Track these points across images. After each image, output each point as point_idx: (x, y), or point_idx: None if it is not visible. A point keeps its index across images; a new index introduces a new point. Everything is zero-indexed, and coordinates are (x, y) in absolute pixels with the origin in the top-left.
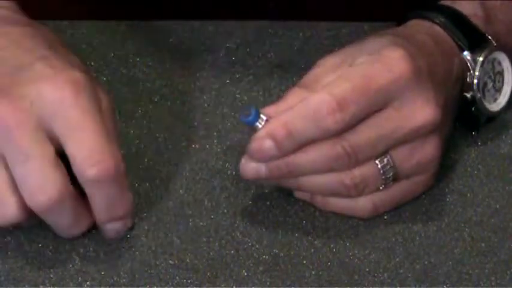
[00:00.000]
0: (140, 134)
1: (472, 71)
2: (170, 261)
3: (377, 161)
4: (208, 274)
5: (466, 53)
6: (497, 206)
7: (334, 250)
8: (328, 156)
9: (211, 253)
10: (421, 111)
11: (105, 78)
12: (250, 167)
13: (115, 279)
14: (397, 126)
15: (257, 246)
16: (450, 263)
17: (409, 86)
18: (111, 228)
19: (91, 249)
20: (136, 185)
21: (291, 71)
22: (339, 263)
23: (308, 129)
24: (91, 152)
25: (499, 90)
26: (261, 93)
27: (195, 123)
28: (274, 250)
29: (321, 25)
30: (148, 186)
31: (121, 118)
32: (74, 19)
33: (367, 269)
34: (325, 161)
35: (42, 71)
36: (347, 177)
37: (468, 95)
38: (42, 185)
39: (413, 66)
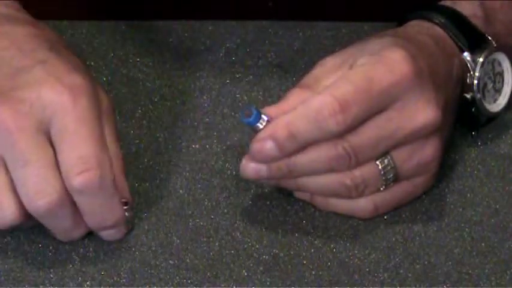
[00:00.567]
0: (140, 134)
1: (472, 72)
2: (170, 261)
3: (377, 162)
4: (208, 274)
5: (466, 53)
6: (497, 206)
7: (334, 250)
8: (328, 157)
9: (211, 253)
10: (421, 112)
11: (105, 78)
12: (250, 167)
13: (115, 279)
14: (398, 127)
15: (257, 246)
16: (450, 263)
17: (410, 87)
18: (105, 235)
19: (91, 249)
20: (137, 185)
21: (291, 71)
22: (339, 263)
23: (310, 131)
24: (78, 161)
25: (498, 91)
26: (261, 93)
27: (195, 123)
28: (274, 250)
29: (321, 25)
30: (148, 186)
31: (121, 118)
32: (74, 19)
33: (367, 269)
34: (325, 161)
35: (42, 74)
36: (347, 177)
37: (468, 96)
38: (41, 189)
39: (414, 68)
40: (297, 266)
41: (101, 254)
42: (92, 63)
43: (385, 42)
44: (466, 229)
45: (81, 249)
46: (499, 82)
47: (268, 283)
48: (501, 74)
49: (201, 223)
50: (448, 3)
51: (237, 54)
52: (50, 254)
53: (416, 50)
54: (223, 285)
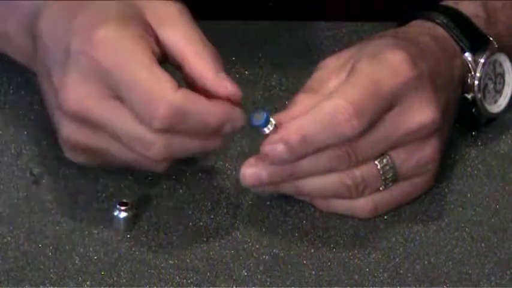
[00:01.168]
0: None
1: (473, 72)
2: (170, 261)
3: (376, 162)
4: (208, 274)
5: (467, 54)
6: (497, 206)
7: (334, 250)
8: (328, 157)
9: (211, 253)
10: (421, 113)
11: None
12: (249, 172)
13: (115, 279)
14: (397, 128)
15: (257, 246)
16: (450, 263)
17: (411, 89)
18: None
19: (91, 249)
20: (137, 185)
21: (291, 71)
22: (339, 263)
23: (323, 135)
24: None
25: (499, 91)
26: (261, 93)
27: None
28: (274, 250)
29: (321, 25)
30: (149, 186)
31: None
32: None
33: (367, 269)
34: (325, 161)
35: None
36: (348, 177)
37: (469, 96)
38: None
39: (415, 69)
40: (297, 266)
41: (101, 254)
42: None
43: (385, 43)
44: (466, 229)
45: (81, 249)
46: (499, 83)
47: (268, 283)
48: (502, 75)
49: (201, 223)
50: (449, 3)
51: (237, 54)
52: (50, 254)
53: (417, 52)
54: (223, 285)
